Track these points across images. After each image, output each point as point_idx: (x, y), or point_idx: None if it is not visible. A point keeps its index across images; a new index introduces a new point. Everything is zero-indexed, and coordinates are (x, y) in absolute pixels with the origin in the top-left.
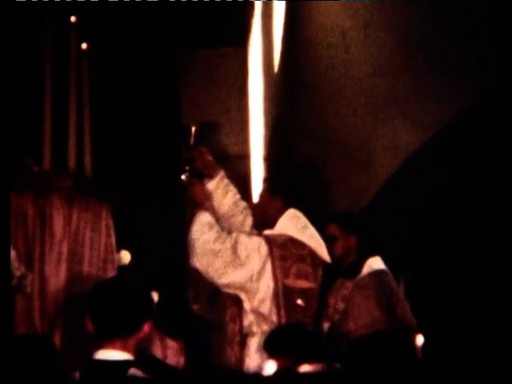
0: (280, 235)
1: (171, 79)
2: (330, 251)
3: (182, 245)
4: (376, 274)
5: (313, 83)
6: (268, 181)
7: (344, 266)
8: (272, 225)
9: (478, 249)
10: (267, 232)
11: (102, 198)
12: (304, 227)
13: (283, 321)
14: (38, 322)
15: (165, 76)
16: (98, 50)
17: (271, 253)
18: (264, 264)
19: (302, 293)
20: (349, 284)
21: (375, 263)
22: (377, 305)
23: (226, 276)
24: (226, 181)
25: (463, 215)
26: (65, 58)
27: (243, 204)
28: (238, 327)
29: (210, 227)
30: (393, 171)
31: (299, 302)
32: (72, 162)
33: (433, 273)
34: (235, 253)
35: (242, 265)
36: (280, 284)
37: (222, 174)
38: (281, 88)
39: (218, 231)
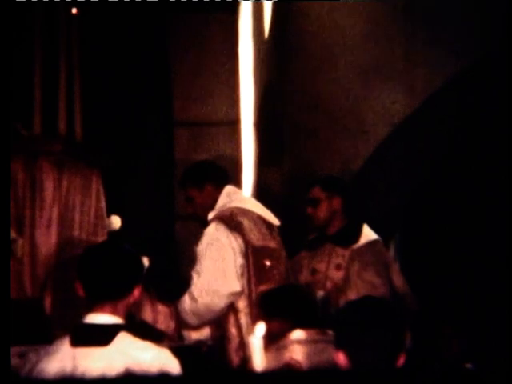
0: (224, 210)
1: (161, 43)
2: (315, 216)
3: (172, 209)
4: (373, 244)
5: (303, 50)
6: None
7: (331, 232)
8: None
9: (467, 215)
10: (210, 215)
11: (92, 163)
12: (243, 198)
13: (253, 281)
14: (29, 286)
15: (155, 40)
16: (88, 14)
17: (228, 228)
18: (233, 248)
19: (268, 253)
20: (342, 252)
21: (370, 232)
22: (379, 277)
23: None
24: None
25: (453, 180)
26: (54, 22)
27: None
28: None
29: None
30: (383, 137)
31: (267, 262)
32: (62, 127)
33: (422, 237)
34: (216, 281)
35: (225, 282)
36: (249, 246)
37: None
38: (271, 54)
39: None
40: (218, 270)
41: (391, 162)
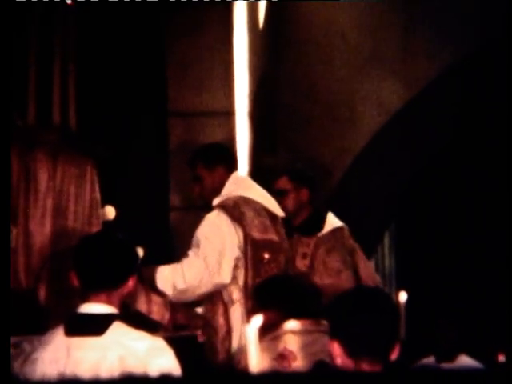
0: (229, 198)
1: (156, 33)
2: (282, 206)
3: (166, 200)
4: (337, 230)
5: (298, 40)
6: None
7: (297, 222)
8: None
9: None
10: (216, 201)
11: (86, 153)
12: (250, 186)
13: (250, 274)
14: (23, 276)
15: (149, 30)
16: (83, 4)
17: (231, 218)
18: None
19: (268, 246)
20: (308, 241)
21: (334, 220)
22: (343, 264)
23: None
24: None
25: (449, 170)
26: (50, 12)
27: None
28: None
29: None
30: (379, 127)
31: (266, 255)
32: (56, 117)
33: (417, 226)
34: (208, 268)
35: (218, 272)
36: (248, 239)
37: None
38: (266, 45)
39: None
40: (214, 257)
41: (386, 151)
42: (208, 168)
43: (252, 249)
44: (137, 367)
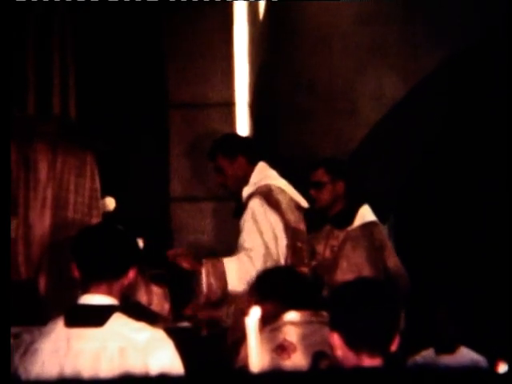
0: (262, 185)
1: (156, 25)
2: (318, 198)
3: (167, 191)
4: (367, 226)
5: (298, 32)
6: None
7: (331, 214)
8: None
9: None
10: (248, 189)
11: (86, 144)
12: (277, 176)
13: (289, 261)
14: (23, 267)
15: (149, 22)
16: None
17: (269, 206)
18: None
19: (300, 235)
20: (338, 234)
21: (366, 214)
22: (366, 261)
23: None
24: (211, 266)
25: (447, 162)
26: (49, 3)
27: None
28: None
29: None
30: (377, 120)
31: (299, 244)
32: (56, 107)
33: (416, 218)
34: (271, 255)
35: (278, 256)
36: (287, 226)
37: (205, 265)
38: (266, 36)
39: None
40: (273, 243)
41: (385, 144)
42: (228, 158)
43: (290, 236)
44: (137, 358)
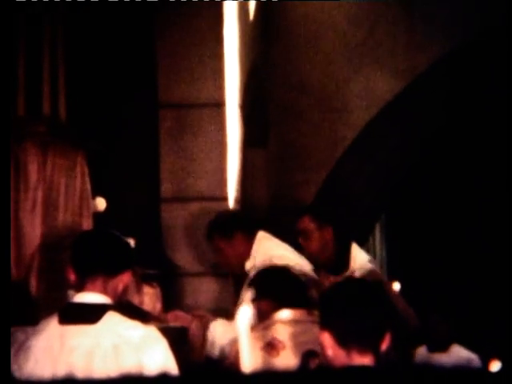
0: (267, 258)
1: (146, 25)
2: (306, 246)
3: (157, 191)
4: (365, 273)
5: (289, 32)
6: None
7: (322, 260)
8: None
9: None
10: (248, 263)
11: (77, 144)
12: (277, 245)
13: None
14: (14, 268)
15: (140, 22)
16: None
17: None
18: None
19: None
20: (335, 278)
21: (358, 255)
22: None
23: None
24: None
25: (440, 161)
26: (39, 3)
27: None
28: None
29: None
30: (369, 119)
31: None
32: (46, 108)
33: (408, 218)
34: None
35: None
36: None
37: (194, 322)
38: (256, 36)
39: None
40: None
41: (377, 143)
42: (226, 238)
43: None
44: (130, 355)
